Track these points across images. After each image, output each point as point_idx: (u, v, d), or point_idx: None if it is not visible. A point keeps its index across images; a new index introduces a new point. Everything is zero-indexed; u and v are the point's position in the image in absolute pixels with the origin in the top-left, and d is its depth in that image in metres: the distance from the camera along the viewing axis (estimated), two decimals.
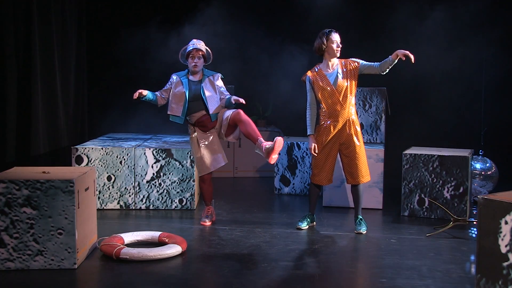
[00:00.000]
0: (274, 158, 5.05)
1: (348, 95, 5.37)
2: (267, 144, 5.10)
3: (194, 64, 5.53)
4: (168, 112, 5.63)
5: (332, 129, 5.39)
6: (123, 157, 6.26)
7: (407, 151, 6.26)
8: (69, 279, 4.15)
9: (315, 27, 8.42)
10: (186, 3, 8.79)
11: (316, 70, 5.44)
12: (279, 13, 8.79)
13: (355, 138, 5.39)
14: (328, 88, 5.35)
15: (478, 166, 6.92)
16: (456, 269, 4.45)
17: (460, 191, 5.98)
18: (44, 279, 4.13)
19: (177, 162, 6.29)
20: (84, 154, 6.23)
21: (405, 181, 6.18)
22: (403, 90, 8.14)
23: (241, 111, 5.38)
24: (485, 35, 7.78)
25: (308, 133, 5.45)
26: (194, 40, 5.61)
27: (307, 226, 5.60)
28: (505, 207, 3.67)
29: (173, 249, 4.63)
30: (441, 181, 6.04)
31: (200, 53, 5.54)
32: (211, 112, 5.51)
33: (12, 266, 4.25)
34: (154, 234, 5.01)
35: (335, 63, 5.41)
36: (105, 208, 6.26)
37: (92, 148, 6.25)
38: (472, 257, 4.77)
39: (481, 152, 7.08)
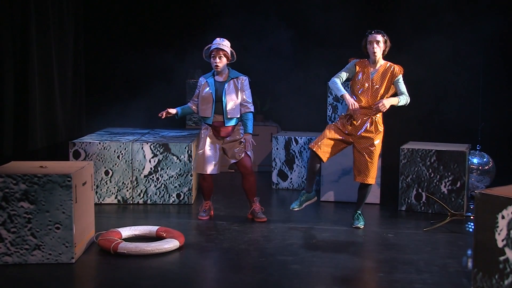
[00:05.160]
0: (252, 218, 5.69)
1: (379, 97, 5.31)
2: (258, 210, 5.66)
3: (215, 64, 5.49)
4: (200, 115, 5.64)
5: (356, 120, 5.33)
6: (120, 151, 6.25)
7: (405, 146, 6.27)
8: (67, 274, 4.16)
9: (313, 22, 8.48)
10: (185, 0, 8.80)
11: (365, 62, 5.39)
12: (278, 7, 8.77)
13: (375, 136, 5.33)
14: (366, 84, 5.31)
15: (475, 161, 6.93)
16: (453, 264, 4.47)
17: (457, 186, 5.99)
18: (41, 274, 4.13)
19: (174, 157, 6.29)
20: (82, 148, 6.23)
21: (402, 176, 6.19)
22: None
23: (251, 169, 5.59)
24: (484, 29, 7.78)
25: (340, 94, 5.27)
26: (218, 39, 5.54)
27: (301, 207, 5.43)
28: (502, 202, 3.68)
29: (171, 244, 4.64)
30: (438, 176, 6.05)
31: (222, 52, 5.46)
32: (227, 116, 5.50)
33: (9, 261, 4.25)
34: (152, 229, 5.01)
35: (380, 63, 5.35)
36: (102, 202, 6.26)
37: (90, 143, 6.25)
38: (469, 252, 4.79)
39: (478, 147, 7.09)
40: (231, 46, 5.56)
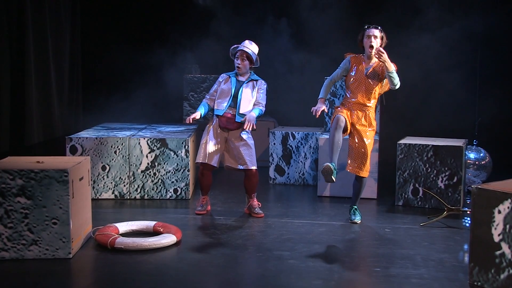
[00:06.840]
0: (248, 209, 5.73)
1: (372, 93, 5.33)
2: (255, 206, 5.69)
3: (237, 65, 5.63)
4: (215, 108, 5.69)
5: (350, 114, 5.33)
6: (117, 146, 6.25)
7: (402, 141, 6.28)
8: (64, 269, 4.16)
9: (309, 21, 8.47)
10: None
11: (360, 58, 5.39)
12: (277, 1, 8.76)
13: (368, 130, 5.34)
14: (360, 80, 5.32)
15: (472, 156, 6.95)
16: (450, 258, 4.48)
17: (454, 180, 6.01)
18: (38, 269, 4.13)
19: (171, 152, 6.29)
20: (79, 143, 6.22)
21: (399, 171, 6.20)
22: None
23: (256, 173, 5.61)
24: (479, 24, 7.78)
25: (319, 97, 5.40)
26: (246, 41, 5.65)
27: (334, 172, 5.07)
28: (498, 196, 3.69)
29: (168, 239, 4.64)
30: (435, 171, 6.06)
31: (245, 55, 5.59)
32: (239, 111, 5.56)
33: (6, 256, 4.25)
34: (149, 224, 5.01)
35: (374, 59, 5.33)
36: (99, 197, 6.26)
37: (87, 138, 6.24)
38: (466, 246, 4.80)
39: (475, 142, 7.11)
40: (232, 45, 5.63)
